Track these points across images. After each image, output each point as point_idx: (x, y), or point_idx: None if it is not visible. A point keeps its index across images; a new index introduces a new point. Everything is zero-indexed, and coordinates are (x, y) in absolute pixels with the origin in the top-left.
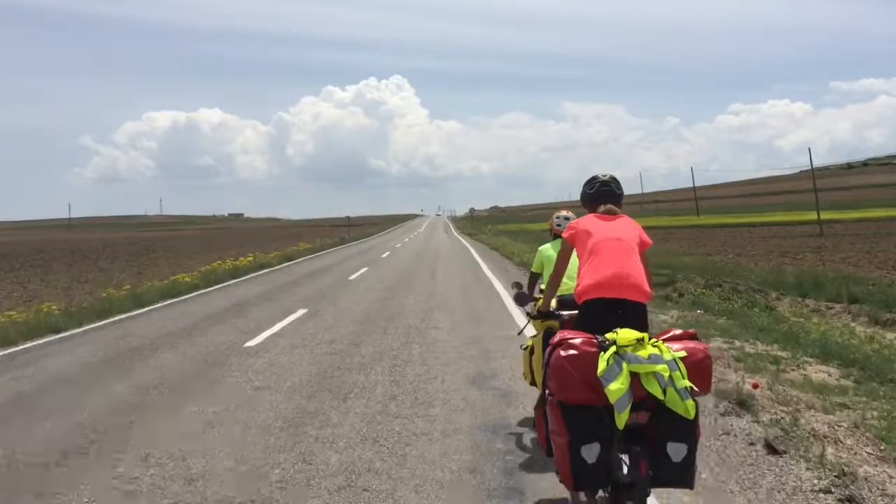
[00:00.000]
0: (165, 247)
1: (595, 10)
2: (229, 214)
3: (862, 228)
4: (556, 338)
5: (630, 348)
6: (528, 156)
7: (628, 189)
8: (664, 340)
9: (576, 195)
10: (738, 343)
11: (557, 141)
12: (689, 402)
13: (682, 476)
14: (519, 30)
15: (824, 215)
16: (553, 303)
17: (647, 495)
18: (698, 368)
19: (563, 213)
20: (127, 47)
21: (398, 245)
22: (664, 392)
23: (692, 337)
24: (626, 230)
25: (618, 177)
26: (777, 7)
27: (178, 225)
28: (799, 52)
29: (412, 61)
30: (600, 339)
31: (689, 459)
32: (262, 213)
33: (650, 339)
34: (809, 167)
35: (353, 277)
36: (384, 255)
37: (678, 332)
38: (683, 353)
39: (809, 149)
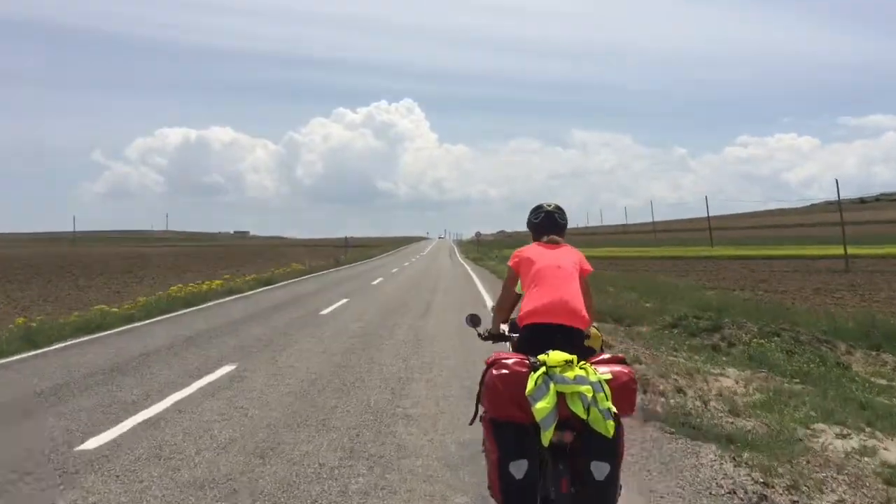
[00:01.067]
0: (159, 263)
1: (605, 38)
2: (235, 232)
3: (887, 265)
4: (492, 358)
5: (559, 369)
6: (537, 182)
7: (639, 217)
8: (593, 363)
9: (583, 222)
10: (852, 434)
11: (566, 168)
12: (610, 423)
13: (605, 494)
14: (529, 56)
15: (838, 250)
16: (503, 326)
17: None
18: (623, 391)
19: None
20: (143, 65)
21: (395, 270)
22: (587, 412)
23: (621, 361)
24: (566, 258)
25: (622, 204)
26: (788, 41)
27: (182, 241)
28: (808, 86)
29: (423, 85)
30: (532, 360)
31: (612, 478)
32: (268, 231)
33: (579, 361)
34: (818, 200)
35: (326, 311)
36: (375, 282)
37: (607, 356)
38: (609, 376)
39: (837, 180)
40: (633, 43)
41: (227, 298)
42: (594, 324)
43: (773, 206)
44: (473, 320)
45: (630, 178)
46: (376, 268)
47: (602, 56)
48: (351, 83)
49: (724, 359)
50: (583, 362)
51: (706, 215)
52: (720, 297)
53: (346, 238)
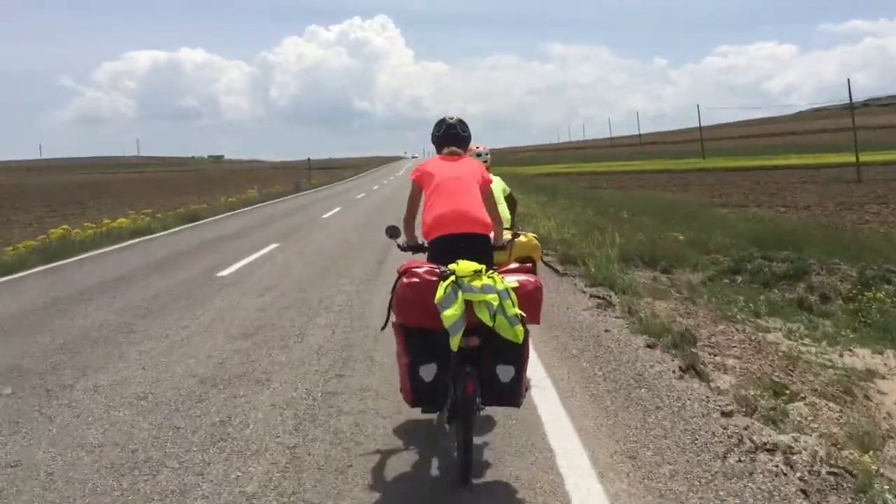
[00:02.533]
0: (113, 192)
1: None
2: (209, 156)
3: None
4: (403, 267)
5: (467, 279)
6: (515, 98)
7: (623, 131)
8: (502, 272)
9: (564, 137)
10: None
11: (544, 83)
12: (518, 328)
13: (510, 395)
14: None
15: (847, 157)
16: (421, 237)
17: (474, 412)
18: (529, 299)
19: (476, 147)
20: None
21: (360, 195)
22: (493, 318)
23: (529, 271)
24: (465, 170)
25: (603, 118)
26: None
27: (152, 166)
28: None
29: (397, 1)
30: (442, 269)
31: (517, 380)
32: (244, 154)
33: (487, 270)
34: (804, 107)
35: (227, 272)
36: (326, 215)
37: (516, 265)
38: (516, 285)
39: (849, 80)
40: None
41: (119, 245)
42: (530, 233)
43: (758, 114)
44: (393, 232)
45: (610, 92)
46: (339, 193)
47: None
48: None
49: (826, 324)
50: (491, 272)
51: (689, 126)
52: (768, 223)
53: (308, 160)
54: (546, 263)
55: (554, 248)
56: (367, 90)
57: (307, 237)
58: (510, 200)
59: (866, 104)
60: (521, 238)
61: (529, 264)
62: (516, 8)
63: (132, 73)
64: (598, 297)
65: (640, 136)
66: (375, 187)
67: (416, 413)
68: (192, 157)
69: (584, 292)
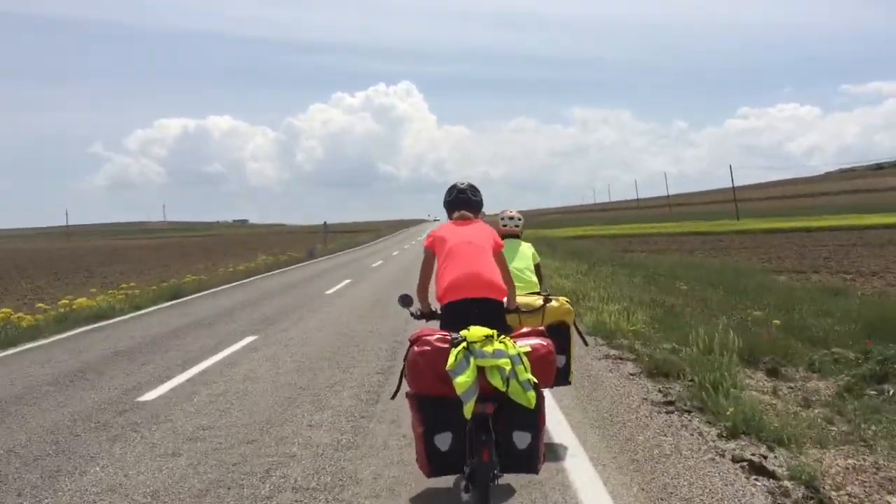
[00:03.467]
0: (129, 258)
1: (600, 12)
2: (234, 220)
3: None
4: (415, 335)
5: (479, 344)
6: (537, 160)
7: (650, 192)
8: (514, 337)
9: (587, 199)
10: None
11: (566, 146)
12: (531, 394)
13: (528, 462)
14: (525, 33)
15: (891, 218)
16: (435, 304)
17: (491, 480)
18: (541, 363)
19: (509, 213)
20: (139, 55)
21: (377, 263)
22: (507, 384)
23: (540, 334)
24: (477, 234)
25: (624, 180)
26: (785, 10)
27: (177, 231)
28: (808, 55)
29: (420, 67)
30: (453, 336)
31: (534, 446)
32: (269, 218)
33: (499, 335)
34: (832, 168)
35: (152, 396)
36: (331, 290)
37: (528, 329)
38: (528, 349)
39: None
40: (629, 16)
41: (56, 337)
42: (561, 297)
43: (781, 176)
44: (405, 301)
45: (631, 154)
46: (353, 261)
47: (599, 31)
48: (348, 67)
49: None
50: (502, 336)
51: (713, 188)
52: (871, 302)
53: (324, 224)
54: (577, 330)
55: (630, 346)
56: (391, 154)
57: (297, 325)
58: (537, 270)
59: None
60: (554, 303)
61: (541, 327)
62: (537, 73)
63: (162, 140)
64: (746, 460)
65: (668, 196)
66: (395, 253)
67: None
68: (217, 221)
69: (715, 448)
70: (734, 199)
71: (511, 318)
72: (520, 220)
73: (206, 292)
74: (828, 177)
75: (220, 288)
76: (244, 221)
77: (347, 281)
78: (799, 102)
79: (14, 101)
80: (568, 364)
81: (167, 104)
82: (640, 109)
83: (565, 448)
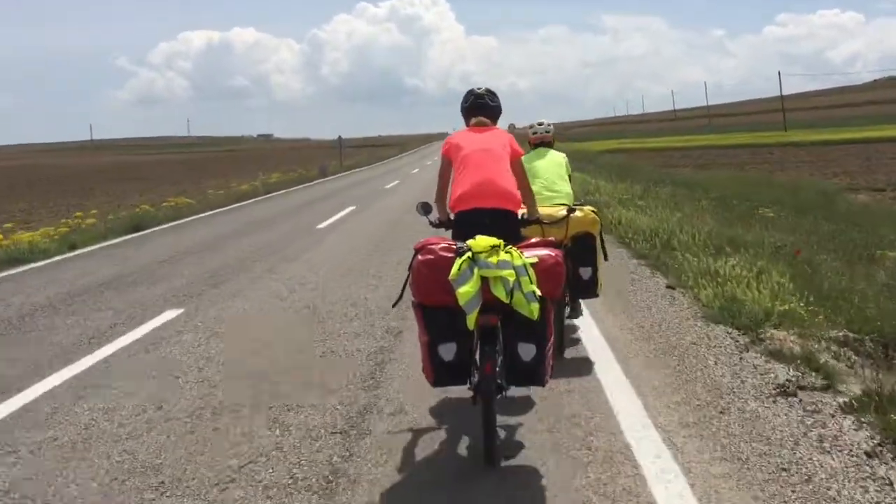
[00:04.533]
0: (144, 175)
1: None
2: (258, 136)
3: None
4: (420, 243)
5: (484, 254)
6: (567, 72)
7: (686, 104)
8: (522, 247)
9: (620, 111)
10: None
11: (597, 56)
12: (534, 305)
13: (532, 374)
14: None
15: None
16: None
17: (495, 392)
18: (548, 274)
19: (538, 121)
20: None
21: (392, 184)
22: (511, 295)
23: (550, 245)
24: (494, 141)
25: (658, 92)
26: None
27: (201, 146)
28: None
29: None
30: (459, 245)
31: (539, 359)
32: (294, 133)
33: (507, 245)
34: (872, 77)
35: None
36: (329, 221)
37: (537, 239)
38: (535, 260)
39: None
40: None
41: None
42: (588, 207)
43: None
44: (425, 208)
45: (665, 64)
46: (367, 180)
47: None
48: None
49: None
50: (509, 246)
51: (754, 98)
52: None
53: (339, 138)
54: (601, 242)
55: (806, 357)
56: (418, 67)
57: (251, 289)
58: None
59: None
60: (578, 213)
61: (552, 238)
62: None
63: (186, 53)
64: None
65: (707, 107)
66: (414, 171)
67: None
68: (242, 136)
69: None
70: (782, 109)
71: (534, 230)
72: (550, 125)
73: (175, 223)
74: (874, 84)
75: (197, 216)
76: (269, 136)
77: (350, 209)
78: (840, 8)
79: (36, 15)
80: (594, 276)
81: (191, 16)
82: (673, 17)
83: None
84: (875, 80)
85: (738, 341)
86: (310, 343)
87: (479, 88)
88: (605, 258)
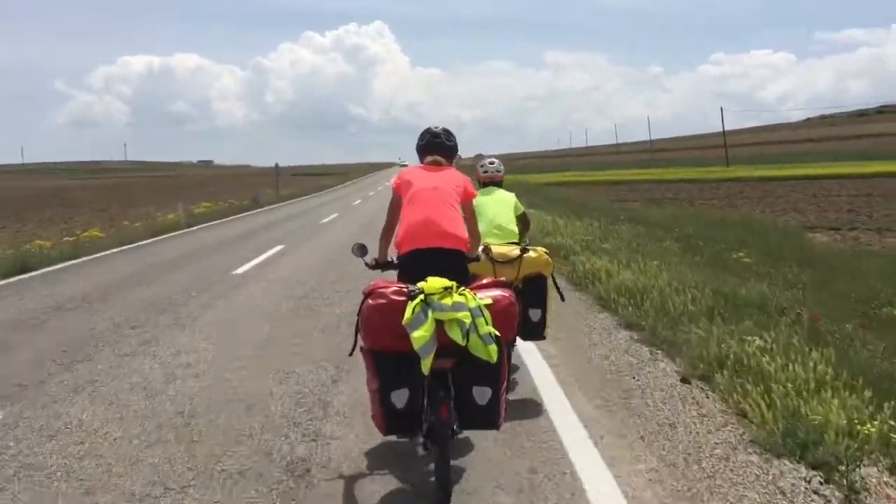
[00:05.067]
0: (67, 200)
1: None
2: (199, 161)
3: None
4: (369, 287)
5: (437, 296)
6: (511, 104)
7: (630, 136)
8: (474, 288)
9: (563, 143)
10: None
11: (540, 89)
12: (492, 347)
13: (487, 418)
14: None
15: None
16: (392, 254)
17: (450, 437)
18: (503, 315)
19: (489, 159)
20: None
21: (329, 218)
22: (466, 338)
23: (502, 285)
24: (445, 180)
25: (599, 126)
26: None
27: (135, 172)
28: (783, 1)
29: (393, 6)
30: (410, 288)
31: (494, 402)
32: (235, 160)
33: (459, 287)
34: (802, 116)
35: None
36: (241, 269)
37: (488, 280)
38: (489, 301)
39: None
40: None
41: None
42: (540, 248)
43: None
44: (361, 250)
45: (605, 98)
46: (304, 213)
47: None
48: (319, 6)
49: None
50: (462, 288)
51: (685, 134)
52: None
53: (276, 166)
54: (554, 283)
55: None
56: (363, 96)
57: (137, 361)
58: (522, 220)
59: (881, 111)
60: (531, 253)
61: (503, 278)
62: (511, 13)
63: (126, 77)
64: None
65: (651, 142)
66: (356, 202)
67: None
68: (181, 162)
69: None
70: (724, 145)
71: (486, 269)
72: (501, 165)
73: (68, 263)
74: (808, 123)
75: (98, 255)
76: (209, 162)
77: (278, 248)
78: (772, 49)
79: None
80: (543, 317)
81: (132, 41)
82: (614, 53)
83: None
84: (808, 119)
85: (829, 501)
86: (156, 495)
87: (435, 127)
88: (563, 299)
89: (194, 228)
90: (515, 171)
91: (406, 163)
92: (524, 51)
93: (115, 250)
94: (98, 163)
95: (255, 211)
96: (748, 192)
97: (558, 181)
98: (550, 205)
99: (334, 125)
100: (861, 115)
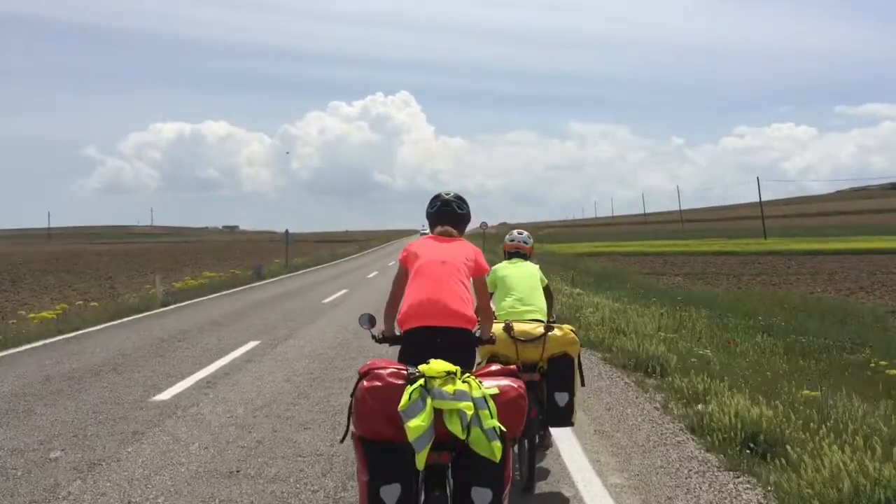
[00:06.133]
0: (77, 266)
1: (601, 29)
2: (224, 227)
3: None
4: (366, 367)
5: (438, 382)
6: (534, 174)
7: (655, 207)
8: (480, 375)
9: (588, 212)
10: None
11: (563, 159)
12: (496, 444)
13: None
14: (525, 48)
15: None
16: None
17: None
18: (510, 408)
19: (517, 230)
20: (137, 60)
21: (333, 297)
22: (467, 432)
23: (511, 374)
24: (455, 253)
25: (621, 195)
26: (785, 31)
27: (159, 237)
28: (805, 76)
29: (419, 78)
30: (410, 370)
31: None
32: (259, 225)
33: (464, 373)
34: (830, 189)
35: None
36: (176, 389)
37: (497, 367)
38: (495, 391)
39: None
40: (629, 33)
41: None
42: (566, 325)
43: (784, 193)
44: (370, 320)
45: (628, 169)
46: (306, 288)
47: (599, 47)
48: (346, 76)
49: None
50: (467, 374)
51: (713, 205)
52: None
53: (286, 233)
54: (580, 364)
55: None
56: (388, 164)
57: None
58: (546, 292)
59: None
60: (556, 331)
61: (512, 366)
62: (536, 88)
63: (156, 144)
64: None
65: (680, 212)
66: (370, 275)
67: None
68: (206, 227)
69: None
70: (761, 216)
71: (508, 348)
72: (530, 237)
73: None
74: (839, 195)
75: (19, 349)
76: (234, 227)
77: (252, 345)
78: (794, 122)
79: (12, 103)
80: (571, 402)
81: (164, 108)
82: (637, 125)
83: None
84: (839, 191)
85: None
86: None
87: (447, 194)
88: (583, 384)
89: (170, 308)
90: (540, 240)
91: (427, 231)
92: (547, 121)
93: (47, 341)
94: (124, 227)
95: (254, 284)
96: (796, 268)
97: (588, 252)
98: (585, 279)
99: (359, 192)
100: (894, 186)
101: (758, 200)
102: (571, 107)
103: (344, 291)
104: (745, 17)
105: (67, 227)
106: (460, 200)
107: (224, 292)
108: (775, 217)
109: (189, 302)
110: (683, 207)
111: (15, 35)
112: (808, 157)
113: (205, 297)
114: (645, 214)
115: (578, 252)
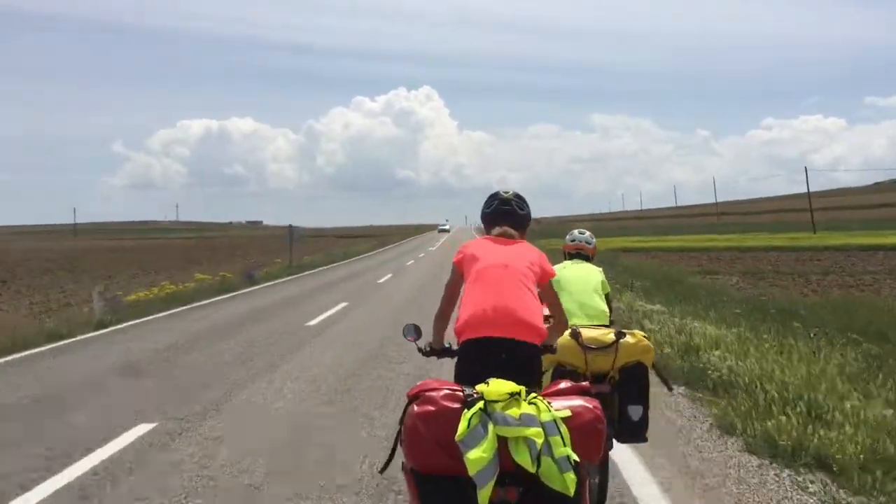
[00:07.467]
0: (83, 264)
1: (624, 22)
2: (247, 222)
3: None
4: (416, 388)
5: (501, 405)
6: (558, 167)
7: (687, 200)
8: (548, 395)
9: (614, 205)
10: None
11: (586, 152)
12: (569, 476)
13: None
14: (547, 40)
15: None
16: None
17: None
18: (585, 432)
19: (578, 229)
20: (164, 57)
21: (334, 309)
22: (537, 463)
23: (584, 392)
24: (519, 256)
25: (646, 188)
26: (812, 21)
27: (182, 232)
28: (834, 66)
29: (441, 72)
30: (467, 392)
31: None
32: (283, 220)
33: (529, 393)
34: (883, 179)
35: None
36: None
37: (567, 384)
38: (567, 413)
39: None
40: (653, 25)
41: None
42: (639, 332)
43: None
44: (416, 331)
45: (653, 162)
46: (309, 293)
47: (623, 39)
48: (369, 71)
49: None
50: (533, 395)
51: (739, 199)
52: None
53: (290, 228)
54: (658, 372)
55: None
56: (411, 159)
57: None
58: (606, 300)
59: None
60: (629, 338)
61: (585, 383)
62: (558, 80)
63: (184, 140)
64: None
65: (716, 204)
66: (383, 279)
67: None
68: (230, 222)
69: None
70: (810, 208)
71: (576, 357)
72: (592, 237)
73: None
74: (878, 187)
75: None
76: (258, 223)
77: (127, 440)
78: (823, 114)
79: (44, 101)
80: (645, 416)
81: (190, 105)
82: (661, 118)
83: None
84: (877, 183)
85: None
86: None
87: (505, 192)
88: (670, 389)
89: (122, 326)
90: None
91: (447, 226)
92: (570, 114)
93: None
94: (148, 223)
95: (240, 292)
96: (862, 265)
97: (623, 247)
98: (628, 278)
99: (383, 186)
100: None
101: (791, 193)
102: (594, 100)
103: (342, 306)
104: (769, 5)
105: (94, 223)
106: (520, 199)
107: (191, 305)
108: (805, 210)
109: (130, 323)
110: (712, 200)
111: (44, 33)
112: (836, 149)
113: (160, 314)
114: (678, 208)
115: (613, 247)
